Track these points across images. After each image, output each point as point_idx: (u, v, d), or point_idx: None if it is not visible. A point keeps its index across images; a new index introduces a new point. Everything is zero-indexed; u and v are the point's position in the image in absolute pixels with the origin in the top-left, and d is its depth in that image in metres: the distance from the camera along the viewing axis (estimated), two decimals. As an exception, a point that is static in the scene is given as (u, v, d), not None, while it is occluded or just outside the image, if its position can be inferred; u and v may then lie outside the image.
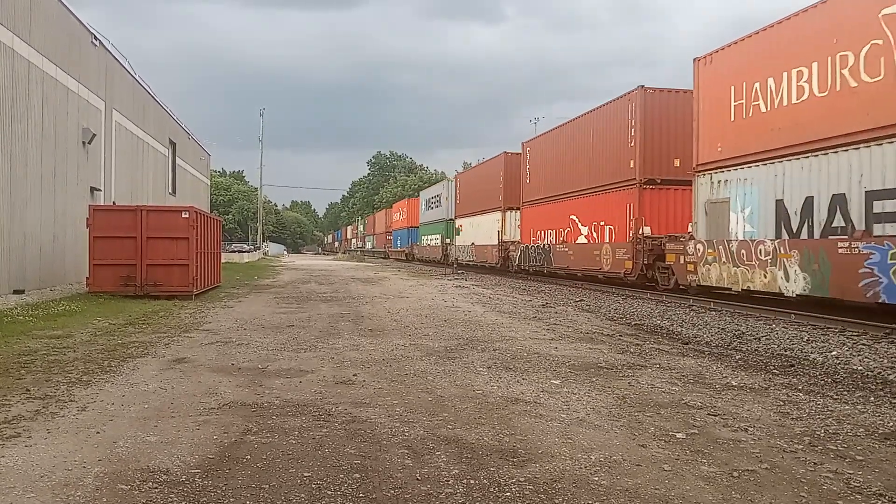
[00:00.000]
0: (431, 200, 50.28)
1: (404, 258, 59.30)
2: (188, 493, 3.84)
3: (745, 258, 14.77)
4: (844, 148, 12.26)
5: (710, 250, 16.02)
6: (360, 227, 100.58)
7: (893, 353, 9.05)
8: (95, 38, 20.88)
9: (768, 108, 14.38)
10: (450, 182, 45.17)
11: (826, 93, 12.79)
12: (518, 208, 31.45)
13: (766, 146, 14.33)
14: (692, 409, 5.92)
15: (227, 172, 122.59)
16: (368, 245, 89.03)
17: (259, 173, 72.84)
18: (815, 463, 4.48)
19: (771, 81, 14.24)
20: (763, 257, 14.22)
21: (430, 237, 49.97)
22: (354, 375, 7.20)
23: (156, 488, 3.88)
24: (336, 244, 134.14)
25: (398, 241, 63.88)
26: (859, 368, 8.10)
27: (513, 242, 31.49)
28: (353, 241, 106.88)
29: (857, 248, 11.61)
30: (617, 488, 3.98)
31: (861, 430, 5.30)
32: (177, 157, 34.30)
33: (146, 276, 16.39)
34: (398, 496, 3.83)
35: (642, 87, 19.87)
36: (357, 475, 4.15)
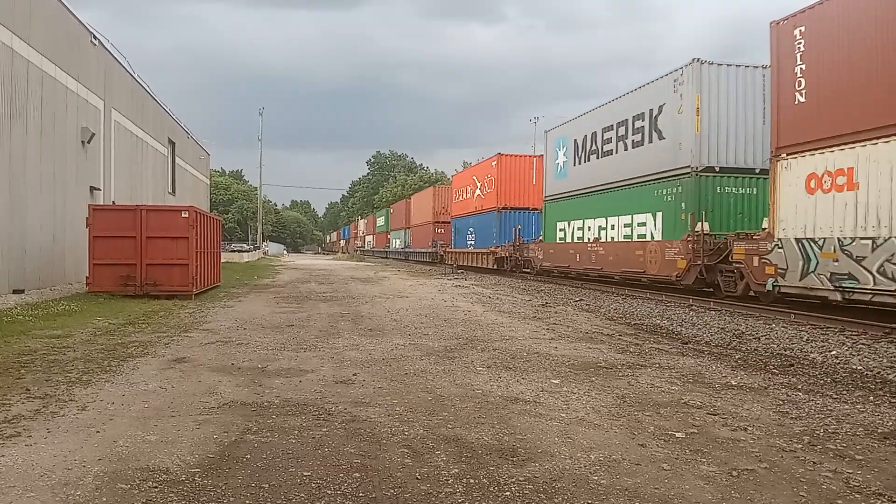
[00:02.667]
0: (604, 136, 21.54)
1: (494, 267, 32.30)
2: (188, 492, 3.84)
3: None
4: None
5: None
6: (382, 220, 72.03)
7: (893, 352, 9.05)
8: (95, 37, 20.89)
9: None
10: (716, 66, 16.98)
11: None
12: None
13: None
14: (692, 408, 5.92)
15: (227, 172, 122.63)
16: (396, 244, 61.32)
17: (259, 173, 72.84)
18: (814, 462, 4.48)
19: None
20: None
21: (617, 222, 20.47)
22: (354, 375, 7.20)
23: (155, 487, 3.89)
24: (342, 243, 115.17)
25: (468, 237, 37.24)
26: (859, 368, 8.11)
27: None
28: (369, 238, 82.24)
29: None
30: (616, 487, 3.98)
31: (860, 429, 5.31)
32: (176, 157, 34.33)
33: (146, 276, 16.39)
34: (398, 495, 3.83)
35: None
36: (357, 474, 4.15)
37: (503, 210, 32.16)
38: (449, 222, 43.62)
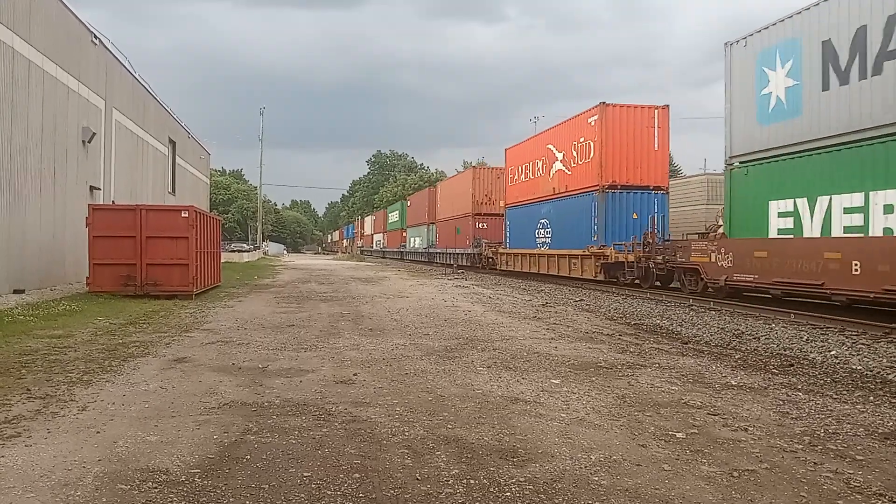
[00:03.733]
0: None
1: (598, 277, 22.05)
2: (188, 492, 3.84)
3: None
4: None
5: None
6: (396, 215, 61.79)
7: (892, 352, 9.05)
8: (95, 36, 20.89)
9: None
10: None
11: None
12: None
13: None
14: (692, 408, 5.92)
15: (227, 171, 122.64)
16: (416, 243, 51.55)
17: (259, 172, 72.82)
18: (814, 463, 4.48)
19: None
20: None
21: None
22: (355, 375, 7.21)
23: (155, 488, 3.88)
24: (345, 243, 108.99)
25: (538, 233, 27.12)
26: (858, 368, 8.11)
27: None
28: (379, 237, 72.68)
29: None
30: (617, 488, 3.98)
31: (861, 429, 5.30)
32: (176, 156, 34.33)
33: (146, 276, 16.39)
34: (398, 496, 3.83)
35: None
36: (357, 475, 4.15)
37: (610, 190, 21.64)
38: (499, 215, 33.40)
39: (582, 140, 23.21)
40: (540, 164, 27.37)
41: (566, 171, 24.74)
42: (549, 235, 26.09)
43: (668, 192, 22.28)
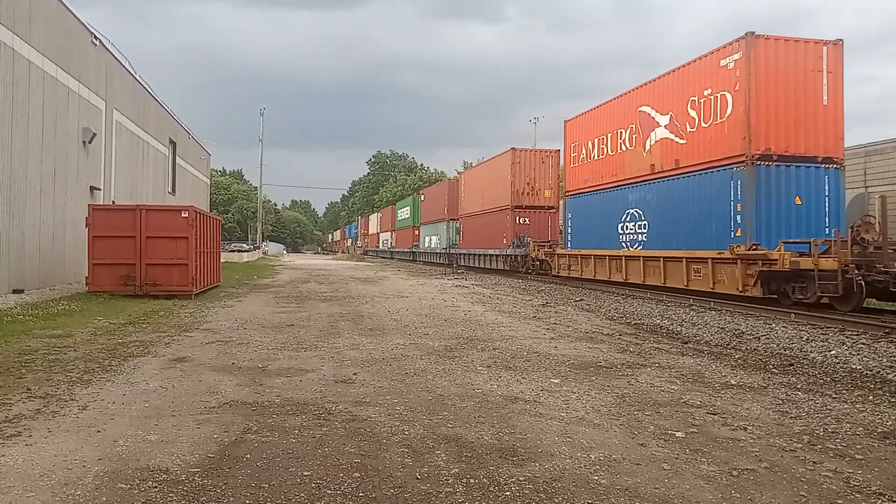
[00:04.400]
0: None
1: (751, 292, 14.30)
2: (188, 492, 3.84)
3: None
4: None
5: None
6: (407, 211, 54.94)
7: (892, 352, 9.05)
8: (95, 37, 20.91)
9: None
10: None
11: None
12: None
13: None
14: (691, 407, 5.93)
15: (227, 171, 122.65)
16: (432, 242, 45.28)
17: (259, 172, 72.83)
18: (814, 462, 4.49)
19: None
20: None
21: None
22: (354, 374, 7.21)
23: (155, 487, 3.89)
24: (347, 243, 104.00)
25: (622, 229, 20.55)
26: (858, 367, 8.11)
27: None
28: (386, 236, 65.66)
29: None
30: (616, 487, 3.99)
31: (860, 428, 5.31)
32: (177, 157, 34.35)
33: (146, 276, 16.39)
34: (398, 495, 3.84)
35: None
36: (357, 474, 4.16)
37: (762, 162, 14.90)
38: (544, 207, 28.64)
39: (707, 93, 16.47)
40: (626, 135, 20.53)
41: (676, 139, 17.86)
42: (645, 230, 19.40)
43: (843, 167, 15.61)
